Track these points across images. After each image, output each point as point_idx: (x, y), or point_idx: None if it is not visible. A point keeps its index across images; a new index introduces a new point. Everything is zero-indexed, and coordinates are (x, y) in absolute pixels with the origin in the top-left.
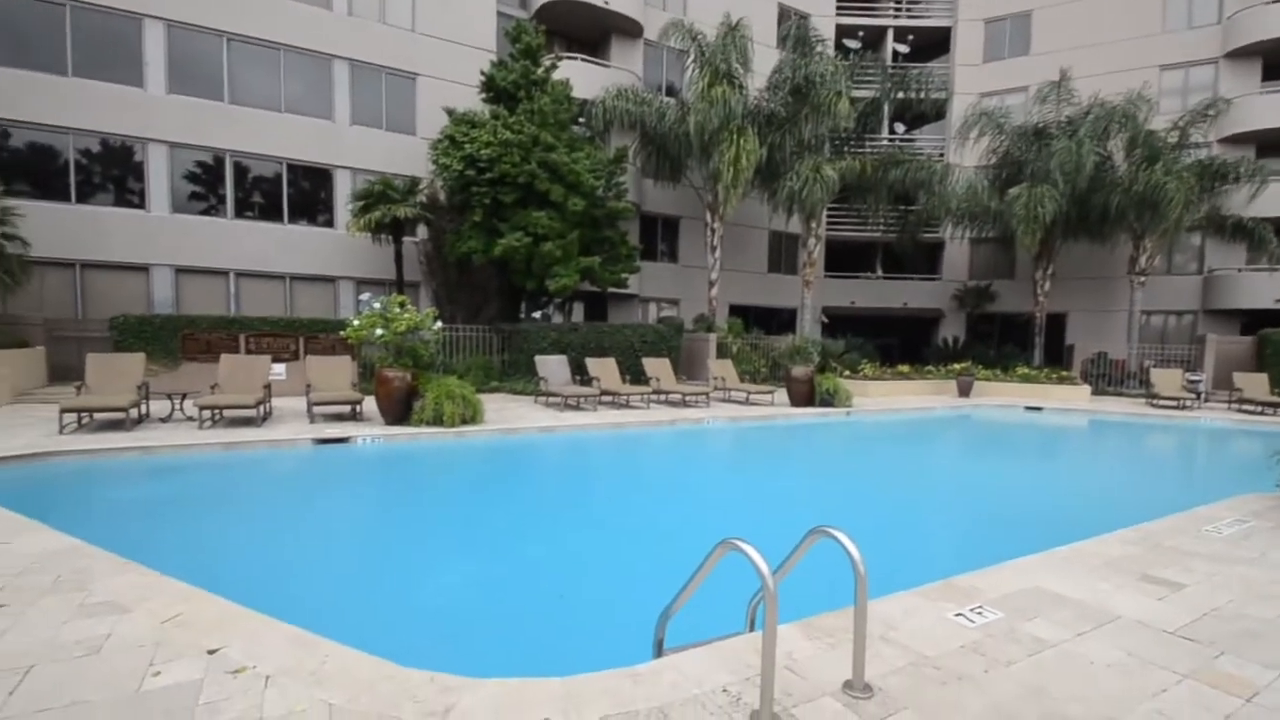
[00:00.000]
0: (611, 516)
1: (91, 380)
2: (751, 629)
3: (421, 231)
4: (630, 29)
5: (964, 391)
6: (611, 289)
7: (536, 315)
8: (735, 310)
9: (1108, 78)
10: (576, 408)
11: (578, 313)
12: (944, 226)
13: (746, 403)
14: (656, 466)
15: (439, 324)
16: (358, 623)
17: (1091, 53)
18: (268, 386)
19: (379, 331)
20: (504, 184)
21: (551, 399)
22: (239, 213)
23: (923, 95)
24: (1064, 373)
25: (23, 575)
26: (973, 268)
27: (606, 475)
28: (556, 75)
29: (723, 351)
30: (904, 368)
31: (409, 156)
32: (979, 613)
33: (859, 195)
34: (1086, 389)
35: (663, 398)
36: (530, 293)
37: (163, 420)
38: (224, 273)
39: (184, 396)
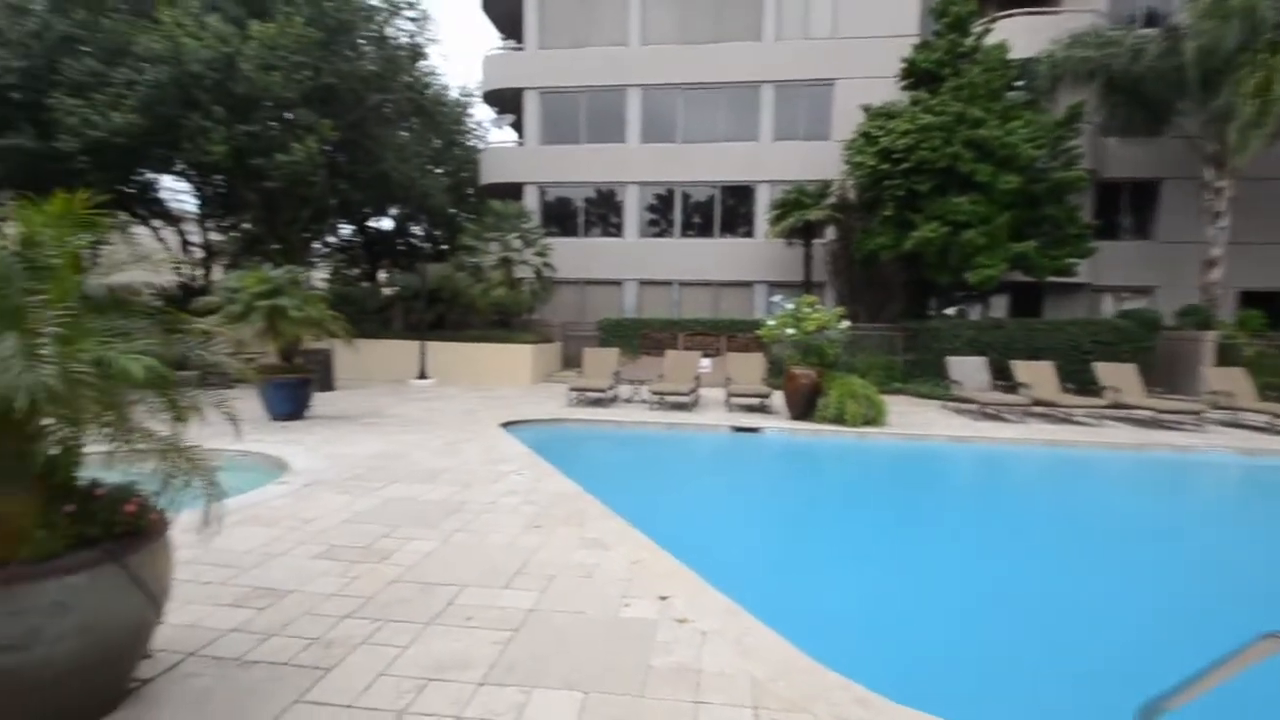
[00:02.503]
0: (1049, 552)
1: (586, 368)
2: None
3: (830, 233)
4: None
5: None
6: (1052, 278)
7: (950, 311)
8: (1253, 299)
9: None
10: (996, 418)
11: (998, 307)
12: None
13: (1270, 430)
14: (1118, 501)
15: (845, 323)
16: (772, 602)
17: None
18: (698, 378)
19: (789, 331)
20: (920, 172)
21: (964, 406)
22: (683, 232)
23: None
24: None
25: (548, 509)
26: None
27: (1039, 500)
28: (990, 40)
29: (1228, 356)
30: None
31: (821, 162)
32: None
33: None
34: None
35: (1123, 414)
36: (942, 288)
37: (627, 401)
38: (669, 283)
39: (641, 383)
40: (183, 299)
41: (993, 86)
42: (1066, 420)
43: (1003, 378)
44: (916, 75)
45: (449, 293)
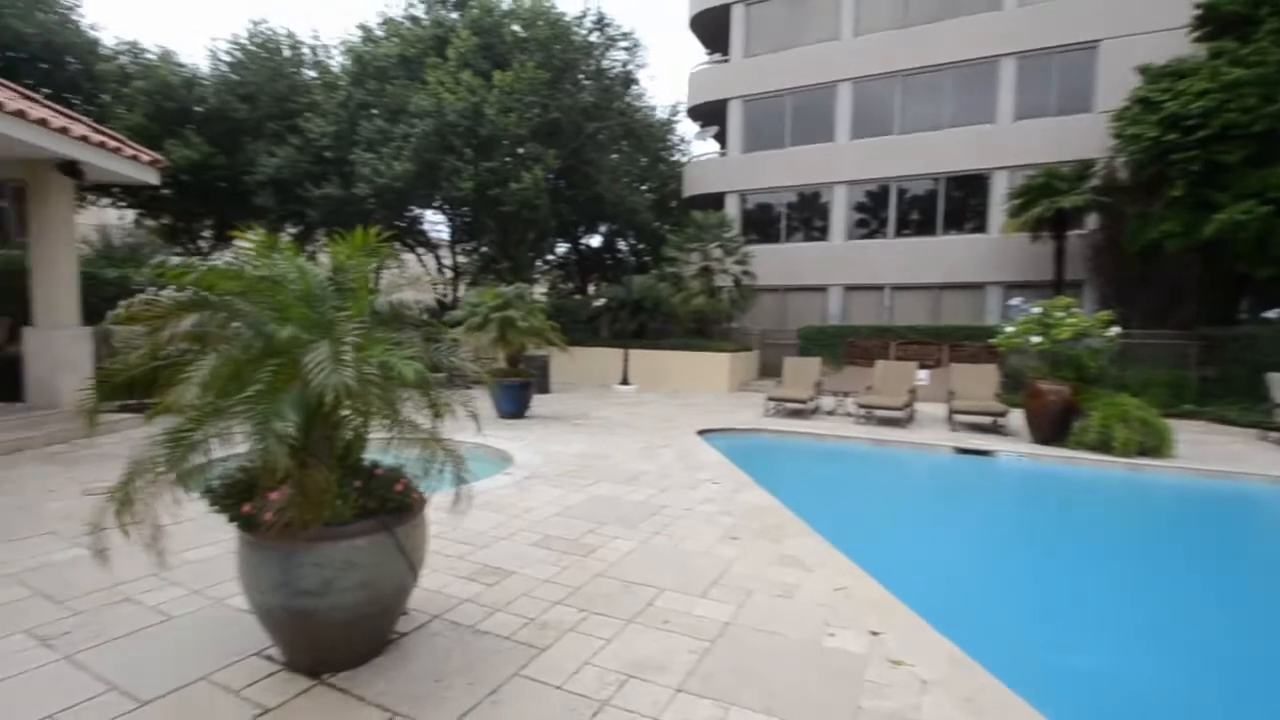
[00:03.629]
0: None
1: (786, 377)
2: None
3: (1090, 222)
4: None
5: None
6: None
7: (1272, 314)
8: None
9: None
10: None
11: None
12: None
13: None
14: None
15: (1114, 329)
16: (1011, 660)
17: None
18: (913, 391)
19: (1035, 339)
20: (1226, 140)
21: None
22: (898, 232)
23: None
24: None
25: (745, 520)
26: None
27: None
28: None
29: None
30: None
31: (1079, 139)
32: None
33: None
34: None
35: None
36: (1260, 283)
37: (829, 413)
38: (881, 287)
39: (846, 394)
40: (438, 313)
41: None
42: None
43: None
44: (1218, 21)
45: (651, 302)
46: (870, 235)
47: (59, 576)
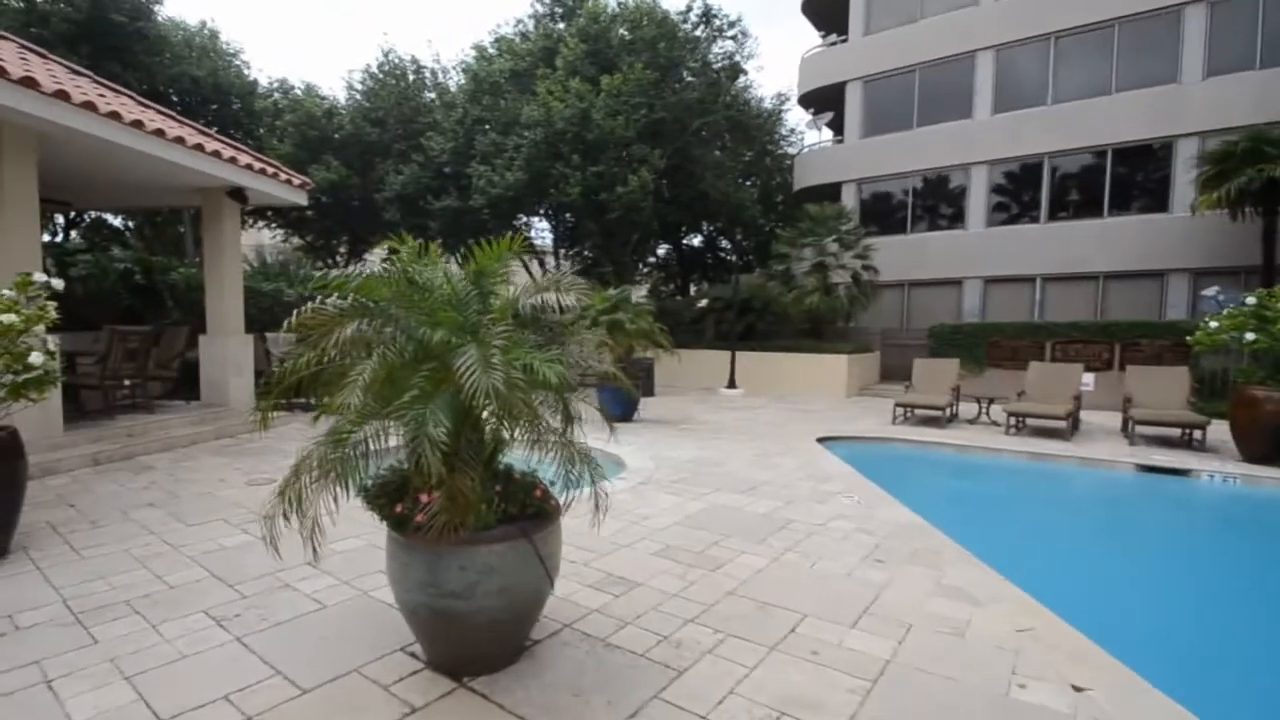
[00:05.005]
0: None
1: (916, 381)
2: None
3: None
4: None
5: None
6: None
7: None
8: None
9: None
10: None
11: None
12: None
13: None
14: None
15: None
16: None
17: None
18: (1077, 398)
19: (1250, 336)
20: None
21: None
22: (1052, 215)
23: None
24: None
25: (888, 541)
26: None
27: None
28: None
29: None
30: None
31: None
32: None
33: None
34: None
35: None
36: None
37: (969, 422)
38: (1030, 279)
39: (990, 401)
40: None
41: None
42: None
43: None
44: None
45: (760, 302)
46: (1015, 220)
47: (230, 560)
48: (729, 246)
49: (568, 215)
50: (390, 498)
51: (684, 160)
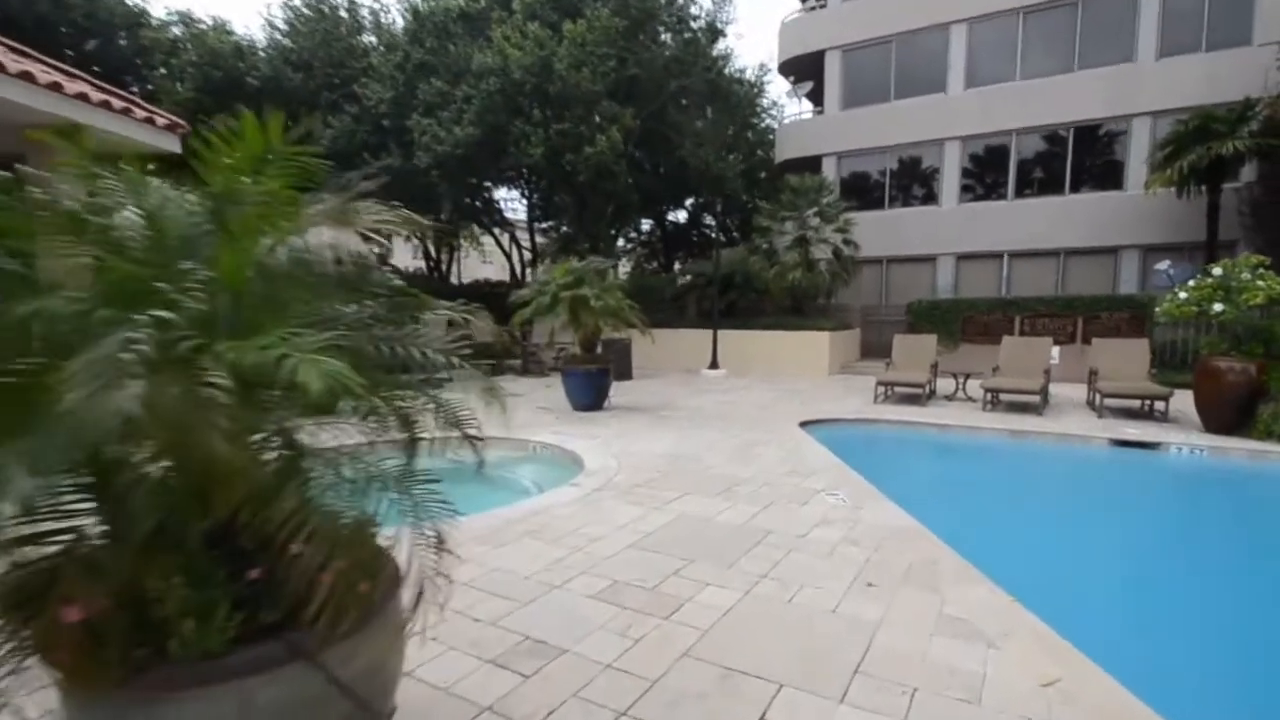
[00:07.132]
0: None
1: (896, 357)
2: None
3: (1246, 174)
4: None
5: None
6: None
7: None
8: None
9: None
10: None
11: None
12: None
13: None
14: None
15: None
16: None
17: None
18: (1047, 372)
19: (1218, 306)
20: None
21: None
22: (1018, 192)
23: None
24: None
25: (880, 553)
26: None
27: None
28: None
29: None
30: None
31: (1236, 76)
32: None
33: None
34: None
35: None
36: None
37: (947, 398)
38: (998, 255)
39: (966, 377)
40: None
41: None
42: None
43: None
44: None
45: (741, 277)
46: (984, 197)
47: None
48: (713, 224)
49: (534, 180)
50: (23, 610)
51: (660, 124)
